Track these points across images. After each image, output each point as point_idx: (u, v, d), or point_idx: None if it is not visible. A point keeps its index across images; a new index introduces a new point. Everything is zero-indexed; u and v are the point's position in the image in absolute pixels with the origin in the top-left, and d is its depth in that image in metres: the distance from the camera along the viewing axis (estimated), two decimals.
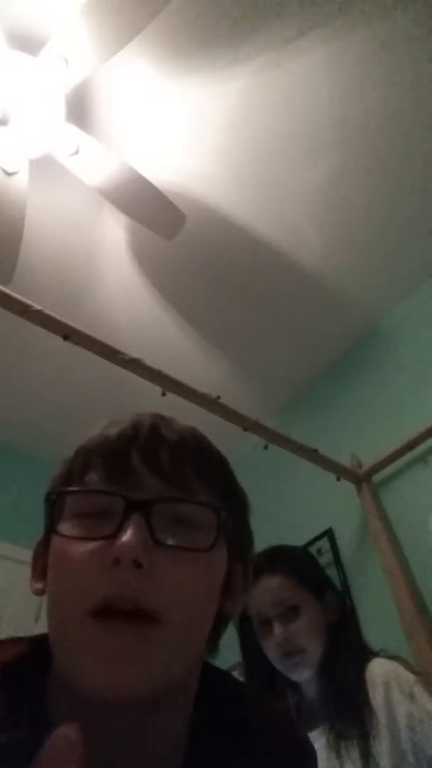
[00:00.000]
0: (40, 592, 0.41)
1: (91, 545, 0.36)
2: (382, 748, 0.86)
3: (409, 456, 1.71)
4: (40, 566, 0.42)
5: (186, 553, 0.37)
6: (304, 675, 1.00)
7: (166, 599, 0.35)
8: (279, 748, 0.43)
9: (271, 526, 1.15)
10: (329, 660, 0.99)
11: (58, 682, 0.38)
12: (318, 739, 0.92)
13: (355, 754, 0.86)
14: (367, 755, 0.85)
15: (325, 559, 1.80)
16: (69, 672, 0.35)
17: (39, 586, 0.42)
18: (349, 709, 0.91)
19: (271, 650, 1.01)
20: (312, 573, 1.12)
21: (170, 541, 0.36)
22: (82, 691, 0.33)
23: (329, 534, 1.84)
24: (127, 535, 0.35)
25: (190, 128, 1.62)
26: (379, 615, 1.55)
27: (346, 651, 1.00)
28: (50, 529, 0.39)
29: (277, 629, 1.00)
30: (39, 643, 0.41)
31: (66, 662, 0.35)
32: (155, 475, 0.40)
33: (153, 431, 0.43)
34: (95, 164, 1.48)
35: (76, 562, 0.36)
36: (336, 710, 0.93)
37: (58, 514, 0.39)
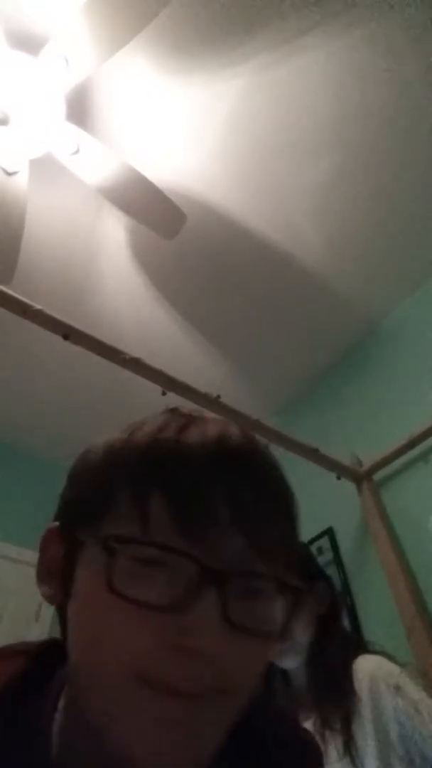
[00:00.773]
0: (53, 600, 0.38)
1: (151, 610, 0.30)
2: (367, 742, 0.86)
3: (409, 455, 1.71)
4: (58, 574, 0.37)
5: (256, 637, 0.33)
6: (292, 662, 1.01)
7: (229, 680, 0.32)
8: (285, 750, 0.42)
9: None
10: (317, 649, 1.00)
11: (76, 721, 0.34)
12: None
13: (339, 741, 0.87)
14: (348, 743, 0.86)
15: (325, 557, 1.80)
16: (101, 727, 0.31)
17: (54, 595, 0.37)
18: (334, 697, 0.92)
19: None
20: (304, 562, 1.12)
21: (244, 624, 0.31)
22: (114, 750, 0.30)
23: (329, 533, 1.84)
24: (201, 621, 0.30)
25: (191, 128, 1.62)
26: (379, 614, 1.55)
27: (334, 641, 1.01)
28: (108, 583, 0.31)
29: None
30: (43, 656, 0.39)
31: (98, 716, 0.31)
32: (239, 531, 0.33)
33: (242, 456, 0.36)
34: (95, 164, 1.48)
35: (131, 625, 0.31)
36: (321, 698, 0.94)
37: (112, 562, 0.31)
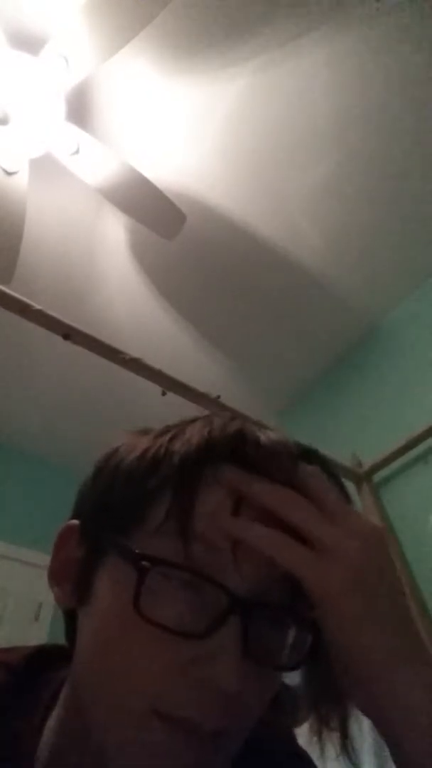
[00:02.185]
0: (65, 604, 0.36)
1: (173, 636, 0.29)
2: (363, 736, 0.87)
3: (409, 455, 1.71)
4: (74, 577, 0.35)
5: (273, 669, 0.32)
6: (299, 677, 1.00)
7: (244, 717, 0.31)
8: (279, 763, 0.42)
9: None
10: (312, 650, 1.00)
11: (78, 734, 0.33)
12: (302, 735, 0.92)
13: (336, 739, 0.87)
14: (345, 739, 0.86)
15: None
16: (110, 750, 0.30)
17: (67, 598, 0.36)
18: (330, 697, 0.92)
19: None
20: None
21: (264, 660, 0.31)
22: None
23: None
24: (225, 654, 0.29)
25: (191, 128, 1.62)
26: None
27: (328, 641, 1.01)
28: (135, 603, 0.29)
29: None
30: (26, 669, 0.37)
31: (109, 739, 0.30)
32: (268, 560, 0.31)
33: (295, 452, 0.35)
34: (95, 164, 1.48)
35: (150, 649, 0.30)
36: (318, 698, 0.94)
37: (141, 581, 0.30)
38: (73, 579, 0.35)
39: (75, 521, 0.38)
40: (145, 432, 0.38)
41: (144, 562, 0.30)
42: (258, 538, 0.30)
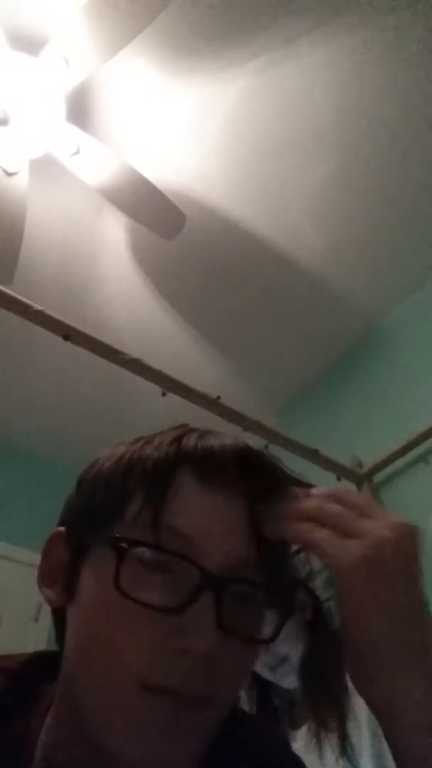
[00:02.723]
0: (55, 603, 0.39)
1: (151, 612, 0.32)
2: (362, 738, 0.87)
3: (409, 456, 1.71)
4: (62, 578, 0.38)
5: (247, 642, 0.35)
6: (292, 681, 1.00)
7: (223, 685, 0.34)
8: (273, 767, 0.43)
9: None
10: (311, 656, 0.99)
11: (67, 736, 0.35)
12: (300, 738, 0.92)
13: (335, 741, 0.87)
14: (344, 741, 0.86)
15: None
16: (100, 731, 0.33)
17: (56, 598, 0.38)
18: (327, 699, 0.92)
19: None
20: (284, 572, 1.12)
21: (237, 631, 0.33)
22: (111, 752, 0.32)
23: None
24: (200, 624, 0.31)
25: (191, 128, 1.62)
26: None
27: (325, 644, 1.01)
28: (115, 582, 0.32)
29: None
30: (24, 674, 0.39)
31: (99, 721, 0.33)
32: (239, 540, 0.35)
33: (251, 469, 0.37)
34: (96, 164, 1.48)
35: (132, 627, 0.32)
36: (316, 701, 0.94)
37: (120, 562, 0.33)
38: (62, 580, 0.38)
39: (61, 528, 0.41)
40: (121, 443, 0.42)
41: (122, 544, 0.33)
42: (297, 529, 0.34)
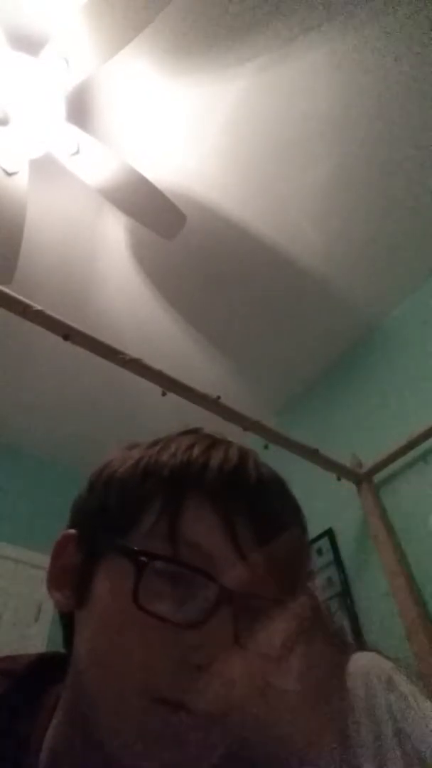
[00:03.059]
0: (65, 607, 0.38)
1: (168, 626, 0.32)
2: (362, 738, 0.86)
3: (409, 455, 1.71)
4: (73, 582, 0.38)
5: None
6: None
7: (238, 701, 0.33)
8: None
9: None
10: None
11: (72, 739, 0.35)
12: None
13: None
14: (345, 742, 0.86)
15: (325, 559, 1.80)
16: (109, 740, 0.32)
17: (66, 602, 0.38)
18: (328, 700, 0.91)
19: None
20: None
21: (251, 646, 0.33)
22: (119, 761, 0.32)
23: (329, 534, 1.84)
24: (217, 640, 0.31)
25: (191, 128, 1.62)
26: (379, 615, 1.55)
27: (321, 643, 1.01)
28: (134, 597, 0.32)
29: None
30: (29, 677, 0.39)
31: (108, 730, 0.32)
32: (257, 555, 0.35)
33: (263, 484, 0.38)
34: (96, 164, 1.48)
35: (148, 641, 0.32)
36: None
37: (139, 577, 0.33)
38: (72, 584, 0.38)
39: (72, 530, 0.40)
40: (134, 445, 0.42)
41: (142, 558, 0.33)
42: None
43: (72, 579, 0.38)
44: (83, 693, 0.35)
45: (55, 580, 0.39)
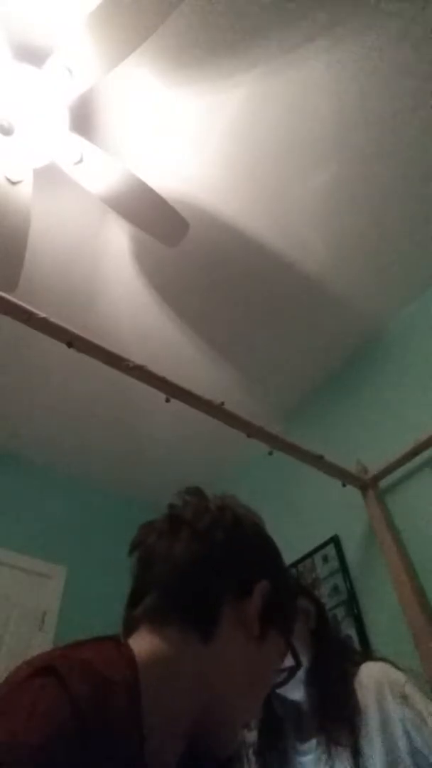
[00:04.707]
0: (256, 641, 0.51)
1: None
2: (375, 754, 0.85)
3: (415, 461, 1.70)
4: (266, 623, 0.52)
5: None
6: (298, 692, 0.98)
7: None
8: None
9: (276, 534, 1.14)
10: (316, 665, 0.98)
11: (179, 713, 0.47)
12: (310, 752, 0.91)
13: (346, 756, 0.86)
14: (357, 757, 0.85)
15: (331, 565, 1.79)
16: (217, 731, 0.48)
17: (258, 634, 0.51)
18: (336, 710, 0.90)
19: None
20: (288, 583, 1.11)
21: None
22: (218, 746, 0.48)
23: (335, 541, 1.83)
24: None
25: (193, 137, 1.63)
26: (385, 622, 1.53)
27: (330, 653, 1.00)
28: (281, 659, 0.57)
29: None
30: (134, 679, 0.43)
31: (223, 724, 0.48)
32: None
33: None
34: (99, 173, 1.49)
35: (267, 688, 0.56)
36: (326, 715, 0.92)
37: (284, 656, 0.58)
38: (266, 623, 0.52)
39: (267, 582, 0.54)
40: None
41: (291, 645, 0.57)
42: None
43: (265, 623, 0.53)
44: (217, 700, 0.47)
45: (260, 619, 0.53)
